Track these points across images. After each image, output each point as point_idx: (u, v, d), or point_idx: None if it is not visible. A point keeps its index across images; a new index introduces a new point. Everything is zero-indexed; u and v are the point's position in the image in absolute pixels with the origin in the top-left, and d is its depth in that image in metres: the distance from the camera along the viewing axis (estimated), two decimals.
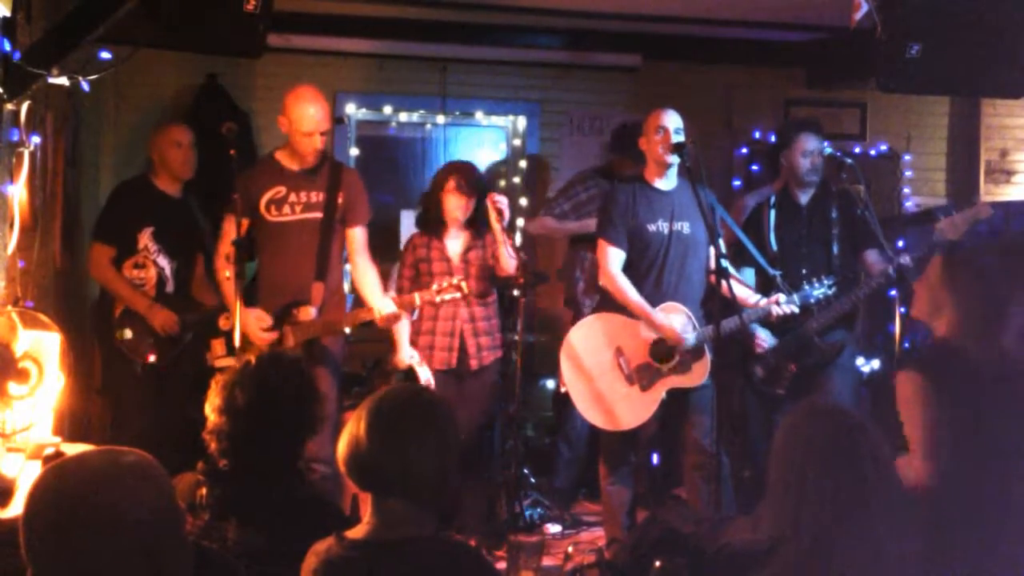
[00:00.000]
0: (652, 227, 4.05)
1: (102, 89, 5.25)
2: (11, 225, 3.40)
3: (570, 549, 3.69)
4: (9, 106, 3.31)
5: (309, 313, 4.06)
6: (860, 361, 5.09)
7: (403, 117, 6.24)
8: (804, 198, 4.53)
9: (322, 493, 3.27)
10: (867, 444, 2.04)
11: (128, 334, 4.41)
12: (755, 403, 4.59)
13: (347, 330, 4.30)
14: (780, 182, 4.69)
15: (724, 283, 3.69)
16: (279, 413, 2.40)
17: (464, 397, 4.42)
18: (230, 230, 3.96)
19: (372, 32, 5.79)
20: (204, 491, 2.36)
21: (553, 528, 4.91)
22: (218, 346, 4.11)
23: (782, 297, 4.04)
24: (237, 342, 3.62)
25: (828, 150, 4.45)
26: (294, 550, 2.08)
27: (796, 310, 4.07)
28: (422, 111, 6.20)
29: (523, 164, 6.26)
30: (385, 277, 4.46)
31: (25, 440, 3.01)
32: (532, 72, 6.22)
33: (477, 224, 4.41)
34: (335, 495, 3.98)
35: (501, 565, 3.41)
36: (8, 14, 3.26)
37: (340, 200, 4.14)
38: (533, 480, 5.19)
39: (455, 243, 4.43)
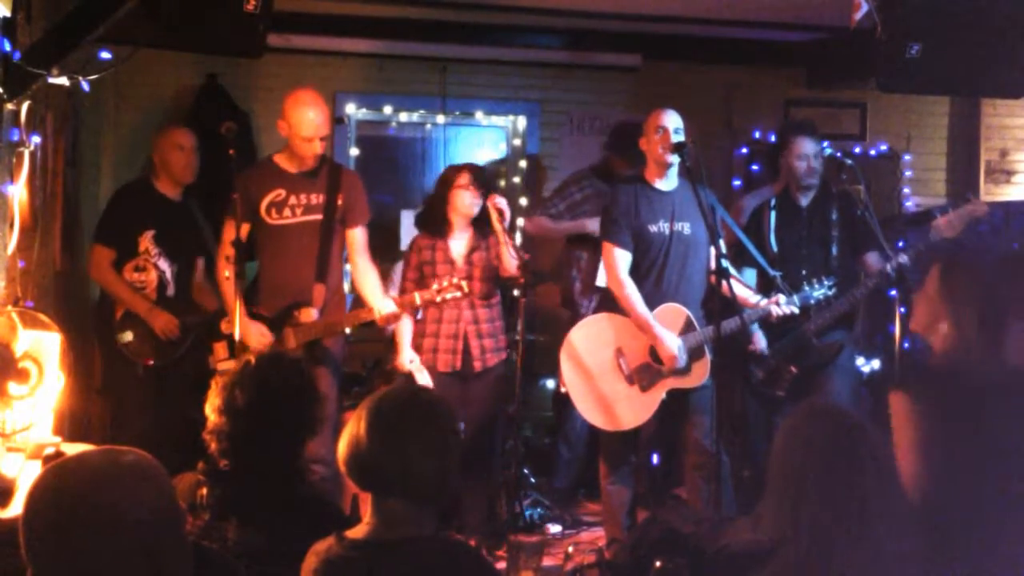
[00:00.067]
0: (653, 227, 4.05)
1: (102, 89, 5.25)
2: (11, 225, 3.40)
3: (570, 549, 3.70)
4: (9, 106, 3.31)
5: (311, 315, 4.06)
6: (860, 361, 5.10)
7: (403, 117, 6.24)
8: (804, 200, 4.54)
9: (322, 493, 3.27)
10: (867, 444, 2.04)
11: (129, 337, 4.41)
12: (755, 403, 4.60)
13: (347, 330, 4.30)
14: (780, 183, 4.70)
15: (724, 283, 3.69)
16: (279, 413, 2.40)
17: (468, 399, 4.41)
18: (230, 233, 3.96)
19: (372, 32, 5.79)
20: (204, 491, 2.36)
21: (553, 528, 4.91)
22: (220, 349, 4.11)
23: (782, 298, 4.04)
24: (238, 344, 3.61)
25: (828, 151, 4.46)
26: (294, 550, 2.08)
27: (796, 311, 4.07)
28: (422, 111, 6.20)
29: (523, 164, 6.26)
30: (384, 277, 4.46)
31: (25, 440, 3.01)
32: (532, 72, 6.22)
33: (481, 225, 4.40)
34: (335, 495, 3.98)
35: (501, 565, 3.41)
36: (8, 14, 3.26)
37: (340, 201, 4.14)
38: (533, 480, 5.19)
39: (459, 244, 4.43)
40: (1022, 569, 2.40)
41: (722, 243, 3.79)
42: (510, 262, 4.18)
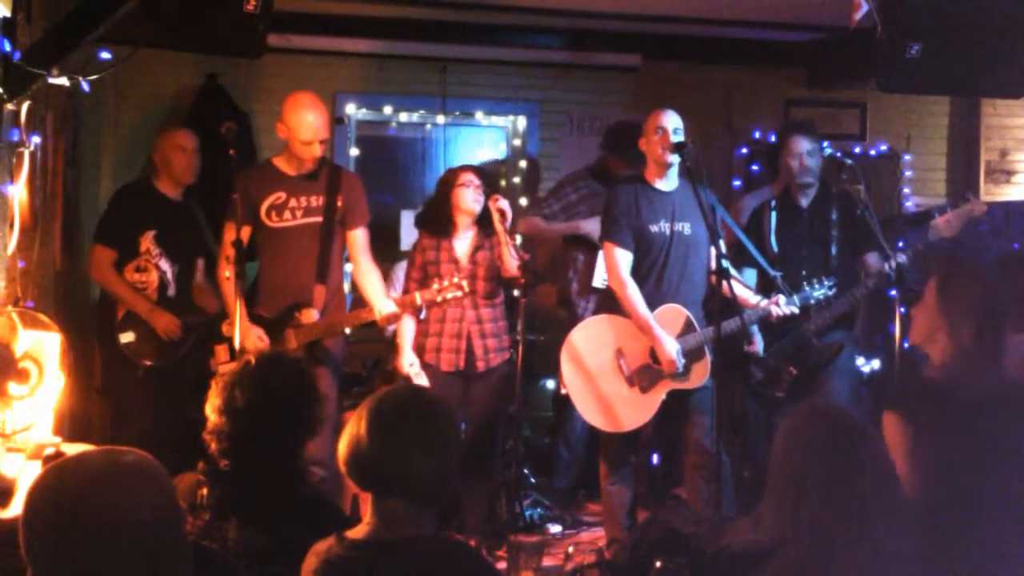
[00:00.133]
0: (654, 228, 4.05)
1: (102, 89, 5.25)
2: (11, 225, 3.40)
3: (570, 549, 3.70)
4: (9, 106, 3.31)
5: (311, 315, 4.07)
6: (860, 361, 5.10)
7: (403, 117, 6.24)
8: (804, 200, 4.54)
9: (322, 493, 3.27)
10: (867, 445, 2.04)
11: (130, 337, 4.41)
12: (755, 403, 4.60)
13: (347, 331, 4.30)
14: (780, 184, 4.70)
15: (725, 283, 3.69)
16: (279, 413, 2.40)
17: (470, 398, 4.41)
18: (231, 234, 3.95)
19: (372, 32, 5.79)
20: (204, 491, 2.36)
21: (553, 528, 4.91)
22: (222, 352, 4.11)
23: (782, 298, 4.04)
24: (237, 344, 3.61)
25: (828, 151, 4.46)
26: (294, 550, 2.08)
27: (796, 311, 4.08)
28: (422, 111, 6.20)
29: (523, 164, 6.26)
30: (384, 277, 4.46)
31: (25, 440, 3.01)
32: (532, 72, 6.22)
33: (484, 225, 4.40)
34: (335, 495, 3.99)
35: (501, 565, 3.41)
36: (8, 14, 3.26)
37: (340, 203, 4.15)
38: (533, 480, 5.19)
39: (463, 244, 4.43)
40: (1022, 569, 2.40)
41: (722, 243, 3.79)
42: (511, 262, 4.18)
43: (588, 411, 4.10)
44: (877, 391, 5.27)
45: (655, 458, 5.02)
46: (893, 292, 4.27)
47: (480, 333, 4.38)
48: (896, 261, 4.05)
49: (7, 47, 3.22)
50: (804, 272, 4.27)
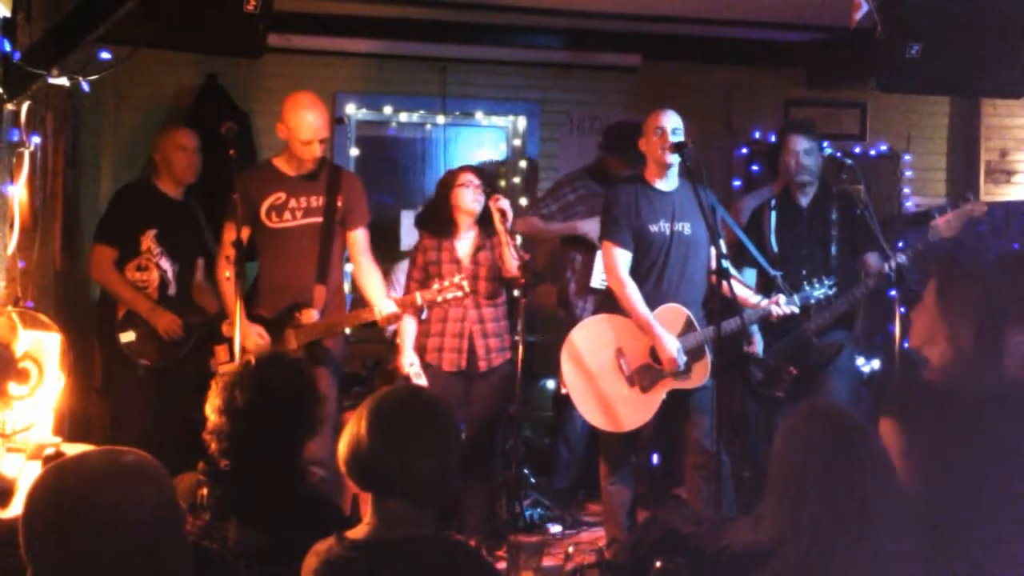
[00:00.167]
0: (654, 227, 4.06)
1: (102, 89, 5.25)
2: (11, 225, 3.40)
3: (570, 549, 3.70)
4: (9, 106, 3.31)
5: (312, 316, 4.07)
6: (860, 361, 5.10)
7: (403, 117, 6.24)
8: (804, 199, 4.54)
9: (322, 493, 3.27)
10: (866, 445, 2.04)
11: (131, 337, 4.40)
12: (755, 403, 4.60)
13: (347, 331, 4.30)
14: (780, 183, 4.70)
15: (725, 283, 3.69)
16: (279, 413, 2.40)
17: (472, 398, 4.41)
18: (231, 234, 3.95)
19: (372, 32, 5.79)
20: (205, 491, 2.36)
21: (553, 528, 4.91)
22: (222, 352, 4.11)
23: (782, 298, 4.04)
24: (238, 345, 3.61)
25: (828, 151, 4.46)
26: (294, 550, 2.08)
27: (796, 310, 4.08)
28: (422, 111, 6.20)
29: (523, 164, 6.26)
30: (384, 277, 4.46)
31: (25, 440, 3.01)
32: (532, 72, 6.22)
33: (486, 225, 4.40)
34: (335, 496, 3.98)
35: (501, 565, 3.41)
36: (8, 14, 3.26)
37: (339, 204, 4.15)
38: (533, 480, 5.19)
39: (465, 244, 4.42)
40: (1022, 569, 2.40)
41: (722, 243, 3.79)
42: (511, 262, 4.18)
43: (588, 411, 4.10)
44: (877, 391, 5.27)
45: (655, 458, 5.02)
46: (893, 292, 4.28)
47: (482, 333, 4.38)
48: (896, 261, 4.05)
49: (7, 47, 3.22)
50: (804, 272, 4.28)
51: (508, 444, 4.81)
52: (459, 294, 4.05)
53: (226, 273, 3.93)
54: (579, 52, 6.13)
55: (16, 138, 3.38)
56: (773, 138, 5.77)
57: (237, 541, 2.29)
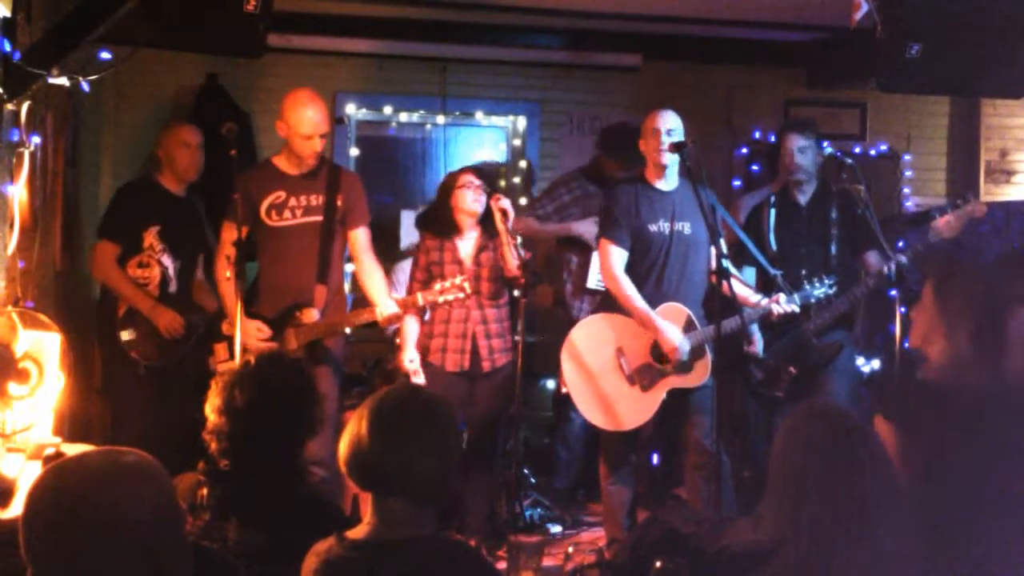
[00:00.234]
0: (653, 227, 4.06)
1: (102, 89, 5.25)
2: (11, 225, 3.40)
3: (570, 549, 3.70)
4: (9, 106, 3.31)
5: (312, 315, 4.06)
6: (860, 361, 5.10)
7: (403, 117, 6.24)
8: (802, 198, 4.55)
9: (322, 493, 3.27)
10: (866, 445, 2.04)
11: (131, 335, 4.39)
12: (755, 403, 4.60)
13: (348, 330, 4.30)
14: (779, 182, 4.71)
15: (725, 283, 3.69)
16: (279, 413, 2.40)
17: (474, 398, 4.41)
18: (231, 234, 3.95)
19: (372, 32, 5.79)
20: (205, 491, 2.36)
21: (553, 528, 4.90)
22: (221, 350, 4.11)
23: (782, 297, 4.05)
24: (238, 345, 3.61)
25: (828, 150, 4.46)
26: (294, 550, 2.08)
27: (796, 309, 4.08)
28: (422, 111, 6.20)
29: (523, 164, 6.26)
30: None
31: (25, 440, 3.01)
32: (532, 72, 6.22)
33: (488, 225, 4.40)
34: (335, 496, 3.98)
35: (501, 565, 3.41)
36: (8, 14, 3.26)
37: (340, 203, 4.15)
38: (533, 480, 5.19)
39: (467, 244, 4.42)
40: (1022, 569, 2.40)
41: (722, 243, 3.79)
42: (512, 262, 4.18)
43: (589, 410, 4.10)
44: (877, 391, 5.27)
45: (655, 458, 5.02)
46: (893, 292, 4.28)
47: (485, 333, 4.38)
48: (896, 261, 4.05)
49: (7, 47, 3.22)
50: (804, 271, 4.28)
51: (508, 444, 4.82)
52: (460, 295, 4.05)
53: (226, 273, 3.92)
54: (579, 52, 6.13)
55: (16, 138, 3.38)
56: (773, 138, 5.78)
57: (237, 541, 2.29)
